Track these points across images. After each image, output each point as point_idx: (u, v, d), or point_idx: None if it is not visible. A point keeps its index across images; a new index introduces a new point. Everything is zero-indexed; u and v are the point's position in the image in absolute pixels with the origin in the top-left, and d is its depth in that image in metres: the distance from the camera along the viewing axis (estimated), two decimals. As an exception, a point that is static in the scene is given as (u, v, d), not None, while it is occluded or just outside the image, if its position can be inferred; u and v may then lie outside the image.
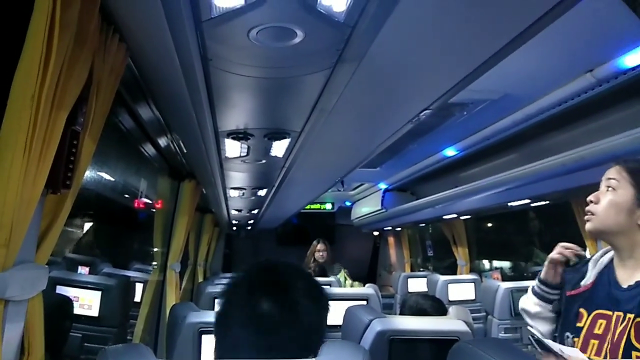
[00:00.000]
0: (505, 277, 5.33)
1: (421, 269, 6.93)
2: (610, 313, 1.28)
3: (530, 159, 2.60)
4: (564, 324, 1.43)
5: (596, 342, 1.29)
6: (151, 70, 1.49)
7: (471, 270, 5.61)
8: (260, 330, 0.84)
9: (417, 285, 5.10)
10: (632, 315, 1.20)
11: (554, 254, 1.51)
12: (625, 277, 1.29)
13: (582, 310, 1.36)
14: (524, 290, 3.53)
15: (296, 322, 0.85)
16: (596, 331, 1.30)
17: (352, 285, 3.95)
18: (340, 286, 3.92)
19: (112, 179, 3.80)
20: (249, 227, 6.98)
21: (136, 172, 3.96)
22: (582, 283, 1.40)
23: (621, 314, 1.26)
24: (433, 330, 1.67)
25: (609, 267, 1.36)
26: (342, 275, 4.07)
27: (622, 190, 1.31)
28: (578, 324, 1.35)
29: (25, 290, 0.91)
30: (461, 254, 5.71)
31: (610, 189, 1.34)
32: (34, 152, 0.87)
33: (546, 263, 1.53)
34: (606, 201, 1.33)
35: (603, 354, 1.26)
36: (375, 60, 1.26)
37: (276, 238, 8.05)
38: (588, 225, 1.38)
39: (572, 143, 2.30)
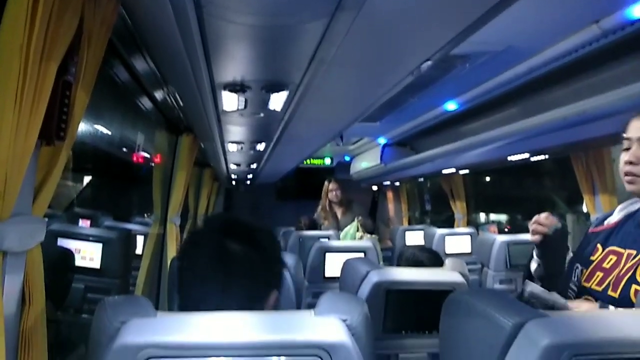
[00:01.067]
0: (501, 231, 5.41)
1: (419, 223, 7.01)
2: (623, 250, 1.30)
3: (532, 112, 2.57)
4: (578, 257, 1.45)
5: (601, 274, 1.31)
6: (143, 19, 1.44)
7: (468, 224, 5.68)
8: (227, 266, 0.96)
9: (415, 238, 5.17)
10: None
11: (531, 237, 1.50)
12: None
13: (598, 245, 1.38)
14: (520, 243, 3.60)
15: (258, 259, 0.98)
16: (605, 265, 1.32)
17: (361, 238, 3.80)
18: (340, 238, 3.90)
19: (109, 133, 3.77)
20: (248, 182, 7.00)
21: (133, 126, 3.93)
22: (606, 222, 1.42)
23: (633, 252, 1.27)
24: (429, 281, 1.70)
25: (638, 212, 1.36)
26: (354, 226, 3.97)
27: None
28: (591, 258, 1.37)
29: (24, 241, 0.91)
30: (459, 208, 5.76)
31: None
32: (25, 103, 0.86)
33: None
34: None
35: (604, 285, 1.28)
36: (375, 8, 1.22)
37: (275, 193, 8.10)
38: (631, 187, 1.34)
39: (574, 97, 2.27)
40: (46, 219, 1.04)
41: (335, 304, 0.88)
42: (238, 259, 0.97)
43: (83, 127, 3.18)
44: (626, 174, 1.34)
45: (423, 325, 1.72)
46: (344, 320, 0.84)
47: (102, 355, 0.77)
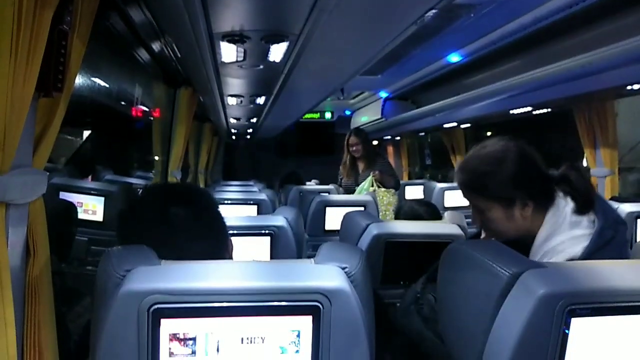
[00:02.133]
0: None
1: (419, 178, 7.03)
2: None
3: (536, 65, 2.52)
4: None
5: None
6: (138, -35, 1.40)
7: (468, 179, 5.68)
8: (173, 230, 0.99)
9: (414, 192, 5.19)
10: None
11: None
12: None
13: None
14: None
15: (204, 225, 1.03)
16: None
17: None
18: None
19: (106, 86, 3.72)
20: (248, 137, 6.98)
21: (131, 79, 3.87)
22: None
23: None
24: (427, 233, 1.73)
25: None
26: (368, 181, 3.84)
27: None
28: None
29: (25, 193, 0.91)
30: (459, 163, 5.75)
31: None
32: (21, 53, 0.84)
33: None
34: None
35: None
36: (379, -46, 1.17)
37: (275, 148, 8.08)
38: None
39: (579, 49, 2.22)
40: (47, 173, 1.04)
41: (334, 253, 0.89)
42: (181, 219, 1.01)
43: (81, 80, 3.13)
44: None
45: (421, 276, 1.75)
46: (343, 268, 0.85)
47: (108, 303, 0.78)
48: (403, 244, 1.71)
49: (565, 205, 1.23)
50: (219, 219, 1.09)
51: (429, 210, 2.06)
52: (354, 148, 4.25)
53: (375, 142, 8.04)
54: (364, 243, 1.69)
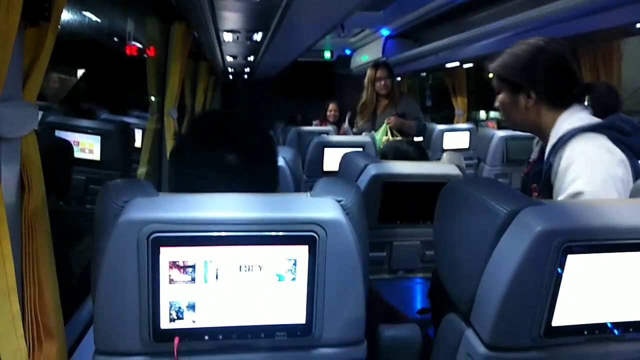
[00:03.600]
0: (500, 127, 5.39)
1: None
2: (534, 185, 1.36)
3: (543, 1, 2.43)
4: None
5: None
6: None
7: (467, 120, 5.64)
8: (221, 173, 0.94)
9: (414, 134, 5.16)
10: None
11: None
12: None
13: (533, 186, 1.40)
14: (518, 139, 3.59)
15: (252, 166, 0.96)
16: None
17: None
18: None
19: (98, 20, 3.59)
20: (246, 76, 6.83)
21: (123, 14, 3.73)
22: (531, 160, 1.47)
23: (535, 185, 1.36)
24: (426, 174, 1.73)
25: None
26: (382, 130, 3.30)
27: None
28: None
29: (16, 127, 0.89)
30: (460, 104, 5.69)
31: None
32: (3, -21, 0.79)
33: None
34: None
35: None
36: None
37: (273, 88, 7.94)
38: None
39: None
40: (39, 109, 1.02)
41: (330, 187, 0.90)
42: (232, 170, 0.94)
43: (72, 14, 3.02)
44: None
45: (417, 216, 1.77)
46: (339, 201, 0.86)
47: (107, 232, 0.79)
48: (401, 184, 1.71)
49: (582, 109, 1.28)
50: (274, 166, 1.03)
51: (417, 150, 2.03)
52: (382, 83, 3.50)
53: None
54: (362, 183, 1.69)
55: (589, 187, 1.14)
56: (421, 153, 2.01)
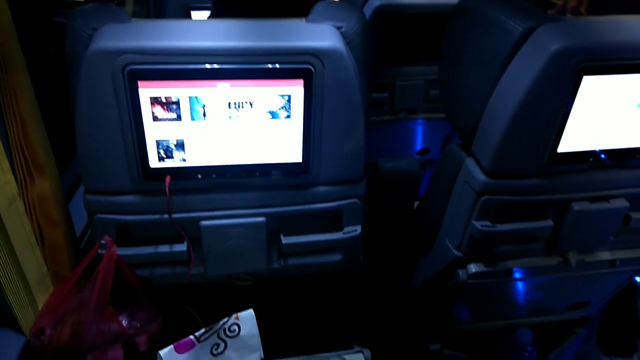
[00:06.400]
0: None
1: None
2: None
3: None
4: None
5: None
6: None
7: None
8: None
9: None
10: None
11: None
12: None
13: None
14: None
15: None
16: None
17: None
18: None
19: None
20: None
21: None
22: None
23: None
24: (437, 3, 1.57)
25: None
26: None
27: None
28: None
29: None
30: None
31: None
32: None
33: None
34: None
35: None
36: None
37: None
38: None
39: None
40: None
41: (329, 11, 0.78)
42: None
43: None
44: None
45: (422, 54, 1.66)
46: (339, 28, 0.76)
47: (78, 66, 0.71)
48: (408, 17, 1.57)
49: None
50: None
51: None
52: None
53: None
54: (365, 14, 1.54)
55: None
56: None
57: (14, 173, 0.84)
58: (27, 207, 0.87)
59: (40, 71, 0.99)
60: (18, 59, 0.90)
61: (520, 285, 1.08)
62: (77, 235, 1.06)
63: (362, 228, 0.91)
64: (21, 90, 0.90)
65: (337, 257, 0.94)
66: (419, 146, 1.79)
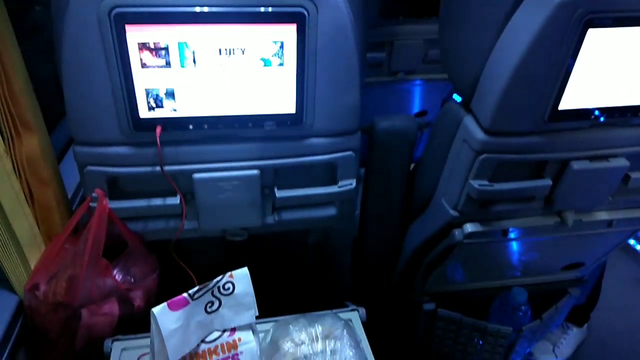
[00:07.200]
0: None
1: None
2: None
3: None
4: None
5: None
6: None
7: None
8: None
9: None
10: None
11: None
12: None
13: None
14: None
15: None
16: None
17: None
18: None
19: None
20: None
21: None
22: None
23: None
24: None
25: None
26: None
27: None
28: None
29: None
30: None
31: None
32: None
33: None
34: None
35: None
36: None
37: None
38: None
39: None
40: None
41: None
42: None
43: None
44: None
45: (421, 11, 1.61)
46: None
47: (63, 9, 0.68)
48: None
49: None
50: None
51: None
52: None
53: None
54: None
55: None
56: None
57: (-1, 131, 0.81)
58: (16, 165, 0.85)
59: (25, 23, 0.95)
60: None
61: (515, 246, 1.08)
62: (70, 196, 1.04)
63: (356, 182, 0.89)
64: (3, 42, 0.86)
65: (331, 211, 0.93)
66: (416, 108, 1.76)
